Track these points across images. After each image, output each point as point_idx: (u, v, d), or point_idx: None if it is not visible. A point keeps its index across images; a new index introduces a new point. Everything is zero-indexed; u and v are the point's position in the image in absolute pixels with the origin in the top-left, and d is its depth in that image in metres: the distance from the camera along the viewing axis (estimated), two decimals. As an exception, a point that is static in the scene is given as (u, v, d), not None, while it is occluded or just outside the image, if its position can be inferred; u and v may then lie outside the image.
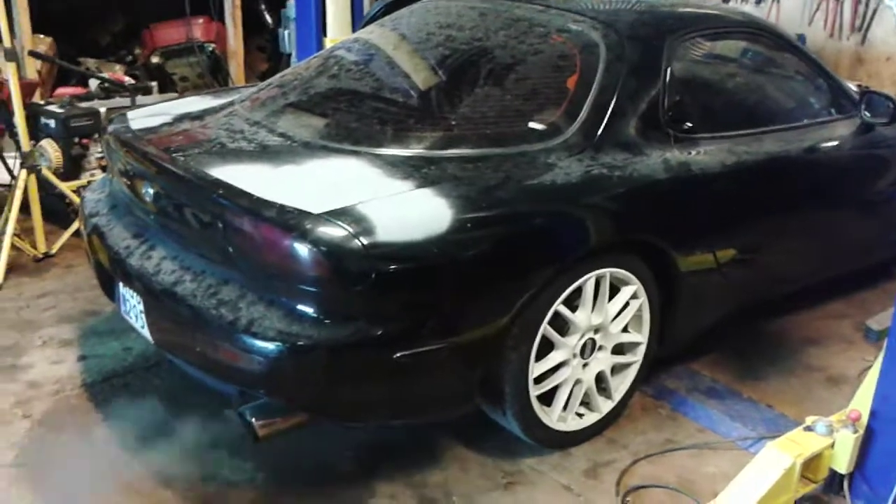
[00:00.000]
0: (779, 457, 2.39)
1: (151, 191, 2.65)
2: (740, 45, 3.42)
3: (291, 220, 2.21)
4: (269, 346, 2.21)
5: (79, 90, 5.30)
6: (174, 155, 2.63)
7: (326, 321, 2.22)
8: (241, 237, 2.32)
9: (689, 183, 2.84)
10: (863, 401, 2.52)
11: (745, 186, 3.03)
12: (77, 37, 6.01)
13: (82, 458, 2.69)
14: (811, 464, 2.48)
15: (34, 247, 4.18)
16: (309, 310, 2.22)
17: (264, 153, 2.64)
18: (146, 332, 2.62)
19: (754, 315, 3.56)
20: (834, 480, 2.56)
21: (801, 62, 3.46)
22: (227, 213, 2.36)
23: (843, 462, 2.47)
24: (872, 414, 2.46)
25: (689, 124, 2.91)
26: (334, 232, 2.17)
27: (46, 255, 4.18)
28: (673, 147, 2.84)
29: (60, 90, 5.39)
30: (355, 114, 2.83)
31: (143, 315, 2.59)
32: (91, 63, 5.88)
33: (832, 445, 2.47)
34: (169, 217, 2.62)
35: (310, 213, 2.21)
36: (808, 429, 2.51)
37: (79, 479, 2.59)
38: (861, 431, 2.46)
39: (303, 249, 2.17)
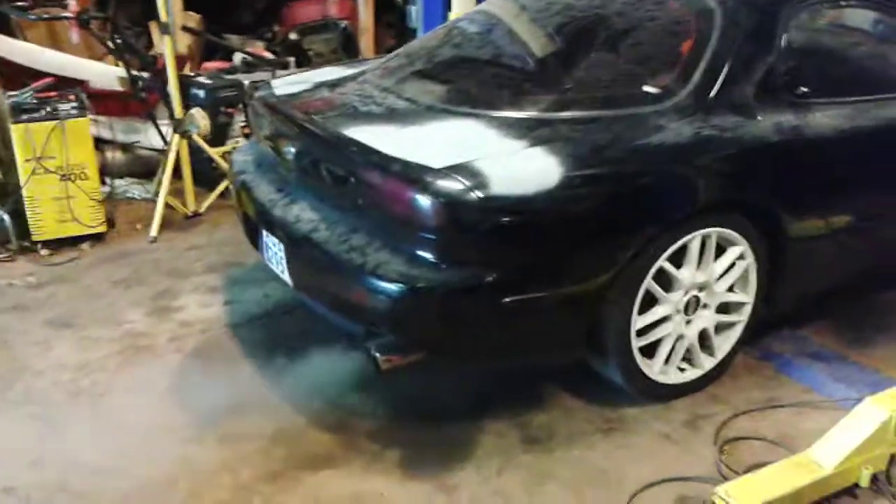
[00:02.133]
0: (876, 410, 2.45)
1: (293, 149, 2.95)
2: (861, 13, 3.38)
3: (414, 174, 2.44)
4: (392, 286, 2.45)
5: (224, 64, 5.75)
6: (313, 117, 2.92)
7: (443, 266, 2.44)
8: (370, 189, 2.58)
9: (802, 147, 2.87)
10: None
11: (861, 153, 3.04)
12: (222, 15, 6.48)
13: (227, 387, 3.04)
14: (910, 421, 2.52)
15: (185, 206, 4.63)
16: (428, 255, 2.45)
17: (392, 115, 2.88)
18: (286, 276, 2.92)
19: (868, 285, 3.54)
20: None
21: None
22: (358, 168, 2.62)
23: (943, 421, 2.50)
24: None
25: (805, 89, 2.94)
26: (452, 185, 2.39)
27: (195, 214, 4.61)
28: (787, 111, 2.88)
29: (207, 64, 5.87)
30: (475, 79, 3.04)
31: (283, 260, 2.90)
32: (234, 39, 6.34)
33: (934, 406, 2.50)
34: (307, 173, 2.92)
35: (431, 168, 2.43)
36: (909, 387, 2.55)
37: (223, 404, 2.93)
38: (964, 391, 2.48)
39: (424, 200, 2.40)
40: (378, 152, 2.57)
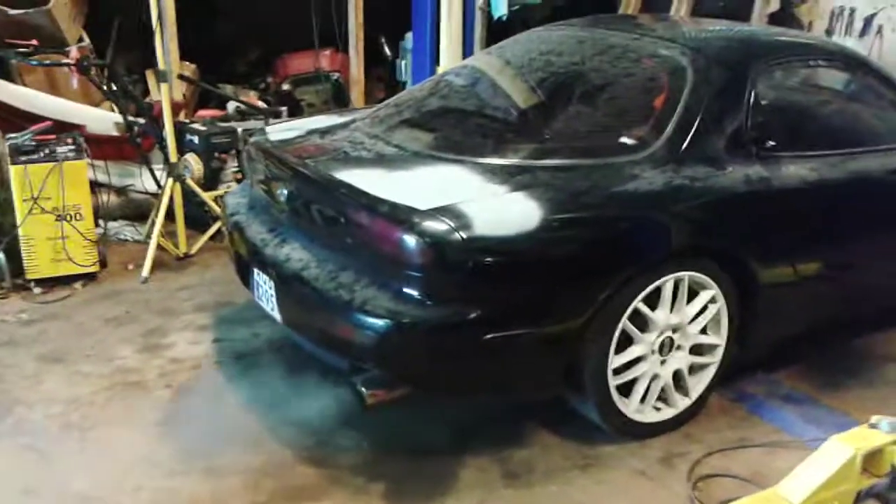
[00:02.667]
0: (841, 448, 2.55)
1: (285, 191, 3.08)
2: (827, 72, 3.59)
3: (402, 215, 2.57)
4: (379, 322, 2.56)
5: (217, 112, 5.91)
6: (306, 161, 3.06)
7: (428, 303, 2.56)
8: (359, 229, 2.71)
9: (769, 198, 3.04)
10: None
11: (826, 205, 3.20)
12: (217, 65, 6.67)
13: (215, 421, 3.11)
14: (874, 458, 2.61)
15: (176, 247, 4.72)
16: (414, 292, 2.57)
17: (381, 160, 3.03)
18: (276, 313, 3.02)
19: (843, 331, 3.67)
20: (899, 479, 2.68)
21: (887, 89, 3.60)
22: (348, 209, 2.75)
23: (906, 460, 2.60)
24: (939, 416, 2.59)
25: (773, 143, 3.11)
26: (438, 226, 2.52)
27: (187, 255, 4.71)
28: (755, 163, 3.04)
29: (201, 112, 6.02)
30: (460, 128, 3.20)
31: (273, 297, 3.00)
32: (228, 88, 6.52)
33: (894, 442, 2.61)
34: (299, 214, 3.04)
35: (417, 210, 2.57)
36: (873, 426, 2.65)
37: (211, 437, 3.00)
38: (925, 431, 2.59)
39: (410, 240, 2.53)
40: (367, 194, 2.71)
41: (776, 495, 2.54)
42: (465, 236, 2.50)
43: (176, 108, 5.35)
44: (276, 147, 3.29)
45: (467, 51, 5.23)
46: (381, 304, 2.58)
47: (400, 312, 2.55)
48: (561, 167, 2.84)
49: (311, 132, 3.50)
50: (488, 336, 2.57)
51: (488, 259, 2.55)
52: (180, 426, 3.09)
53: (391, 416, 3.03)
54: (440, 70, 5.06)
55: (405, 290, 2.58)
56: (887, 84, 3.64)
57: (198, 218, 4.97)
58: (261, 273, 3.07)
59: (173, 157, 4.62)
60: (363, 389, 2.71)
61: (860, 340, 3.77)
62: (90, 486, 2.72)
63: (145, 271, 4.36)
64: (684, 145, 2.95)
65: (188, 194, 4.78)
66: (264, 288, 3.07)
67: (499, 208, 2.64)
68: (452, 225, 2.51)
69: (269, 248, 3.05)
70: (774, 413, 3.20)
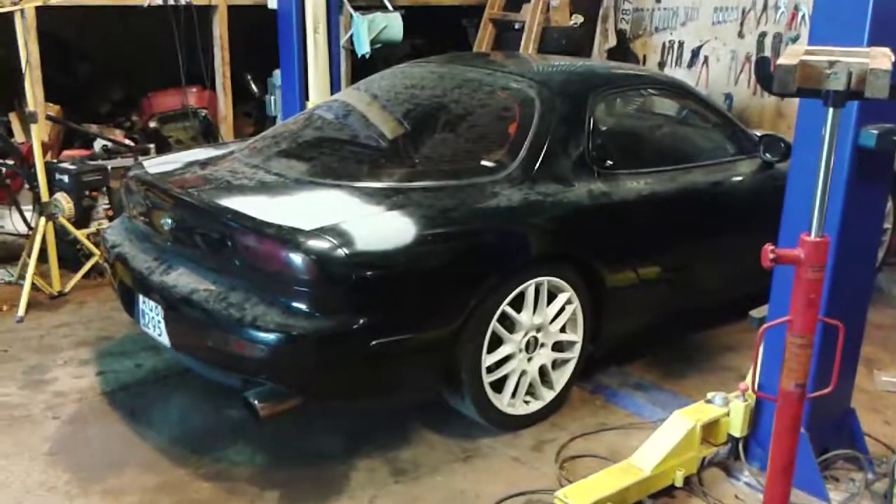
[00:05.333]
0: (683, 420, 2.97)
1: (169, 220, 3.22)
2: (657, 99, 4.10)
3: (288, 236, 2.80)
4: (270, 336, 2.76)
5: (84, 152, 5.89)
6: (189, 190, 3.23)
7: (316, 315, 2.78)
8: (246, 251, 2.90)
9: (610, 210, 3.46)
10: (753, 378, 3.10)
11: (659, 215, 3.66)
12: (80, 105, 6.64)
13: (106, 446, 3.19)
14: (711, 429, 3.05)
15: (50, 286, 4.69)
16: (302, 306, 2.79)
17: (263, 187, 3.24)
18: (164, 339, 3.15)
19: (680, 327, 4.16)
20: (734, 447, 3.11)
21: (708, 112, 4.15)
22: (235, 233, 2.94)
23: (737, 427, 3.04)
24: (760, 387, 3.04)
25: (611, 162, 3.55)
26: (322, 244, 2.76)
27: (60, 294, 4.69)
28: (597, 180, 3.47)
29: (67, 152, 5.97)
30: (336, 156, 3.46)
31: (161, 324, 3.13)
32: (93, 128, 6.48)
33: (728, 414, 3.05)
34: (184, 241, 3.19)
35: (302, 230, 2.80)
36: (709, 401, 3.10)
37: (105, 462, 3.08)
38: (751, 402, 3.04)
39: (297, 258, 2.75)
40: (254, 219, 2.92)
41: (630, 465, 2.93)
42: (347, 252, 2.75)
43: (43, 149, 5.31)
44: (158, 179, 3.43)
45: (335, 86, 5.50)
46: (272, 319, 2.79)
47: (290, 326, 2.76)
48: (430, 188, 3.14)
49: (190, 164, 3.65)
50: (374, 343, 2.82)
51: (369, 272, 2.81)
52: (73, 453, 3.14)
53: (283, 428, 3.21)
54: (310, 105, 5.30)
55: (294, 304, 2.80)
56: (708, 108, 4.19)
57: (70, 256, 4.96)
58: (147, 301, 3.19)
59: (45, 197, 4.61)
60: (256, 402, 2.87)
61: (698, 335, 4.26)
62: (-15, 516, 2.75)
63: (21, 311, 4.33)
64: (536, 166, 3.33)
65: (59, 233, 4.77)
66: (151, 315, 3.19)
67: (377, 226, 2.91)
68: (335, 242, 2.76)
69: (156, 275, 3.18)
70: (627, 400, 3.61)
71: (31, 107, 4.54)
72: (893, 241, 5.16)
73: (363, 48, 6.10)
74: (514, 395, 3.28)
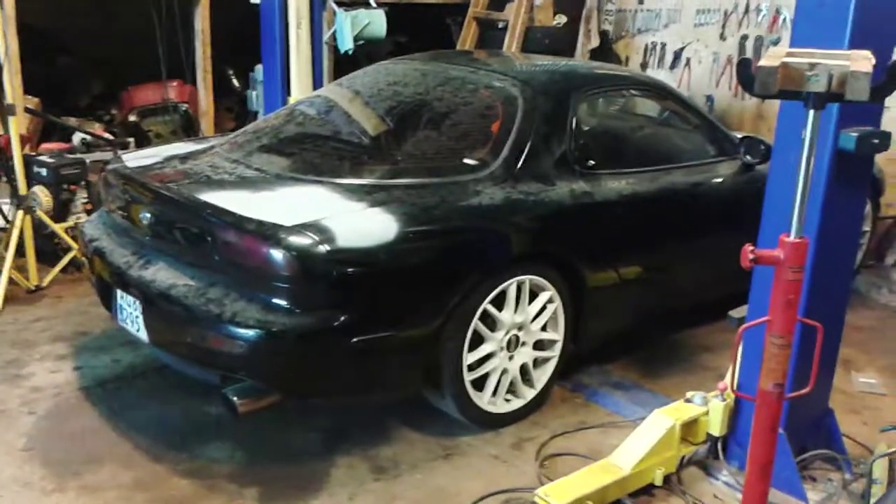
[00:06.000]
0: (662, 419, 2.98)
1: (148, 215, 3.19)
2: (639, 101, 4.12)
3: (269, 231, 2.78)
4: (250, 332, 2.74)
5: (63, 145, 5.81)
6: (169, 185, 3.20)
7: (296, 311, 2.77)
8: (226, 247, 2.88)
9: (591, 209, 3.47)
10: (732, 377, 3.12)
11: (640, 214, 3.67)
12: (59, 98, 6.55)
13: (83, 442, 3.15)
14: (691, 428, 3.06)
15: (27, 280, 4.64)
16: (282, 303, 2.77)
17: (243, 183, 3.21)
18: (142, 334, 3.11)
19: (660, 326, 4.18)
20: (713, 446, 3.13)
21: (689, 113, 4.17)
22: (215, 228, 2.92)
23: (716, 426, 3.05)
24: (739, 387, 3.06)
25: (592, 162, 3.56)
26: (302, 240, 2.74)
27: (38, 288, 4.64)
28: (579, 180, 3.47)
29: (45, 145, 5.90)
30: (318, 152, 3.44)
31: (139, 319, 3.10)
32: (72, 121, 6.41)
33: (707, 413, 3.06)
34: (162, 236, 3.16)
35: (283, 226, 2.78)
36: (688, 400, 3.11)
37: (82, 457, 3.05)
38: (729, 401, 3.06)
39: (277, 254, 2.73)
40: (234, 214, 2.89)
41: (610, 464, 2.93)
42: (328, 248, 2.74)
43: (21, 142, 5.25)
44: (137, 173, 3.40)
45: (317, 82, 5.47)
46: (252, 315, 2.77)
47: (270, 322, 2.74)
48: (412, 185, 3.13)
49: (169, 158, 3.62)
50: (354, 340, 2.80)
51: (350, 269, 2.79)
52: (49, 449, 3.10)
53: (263, 425, 3.19)
54: (292, 100, 5.26)
55: (274, 300, 2.78)
56: (690, 110, 4.22)
57: (47, 251, 4.90)
58: (125, 295, 3.15)
59: (23, 190, 4.56)
60: (235, 399, 2.85)
61: (678, 334, 4.28)
62: (-42, 512, 2.71)
63: (-4, 305, 4.28)
64: (519, 165, 3.33)
65: (37, 227, 4.72)
66: (129, 310, 3.15)
67: (358, 223, 2.90)
68: (316, 238, 2.74)
69: (134, 269, 3.15)
70: (607, 399, 3.62)
71: (9, 99, 4.50)
72: (872, 244, 5.22)
73: (346, 44, 6.06)
74: (494, 393, 3.28)
